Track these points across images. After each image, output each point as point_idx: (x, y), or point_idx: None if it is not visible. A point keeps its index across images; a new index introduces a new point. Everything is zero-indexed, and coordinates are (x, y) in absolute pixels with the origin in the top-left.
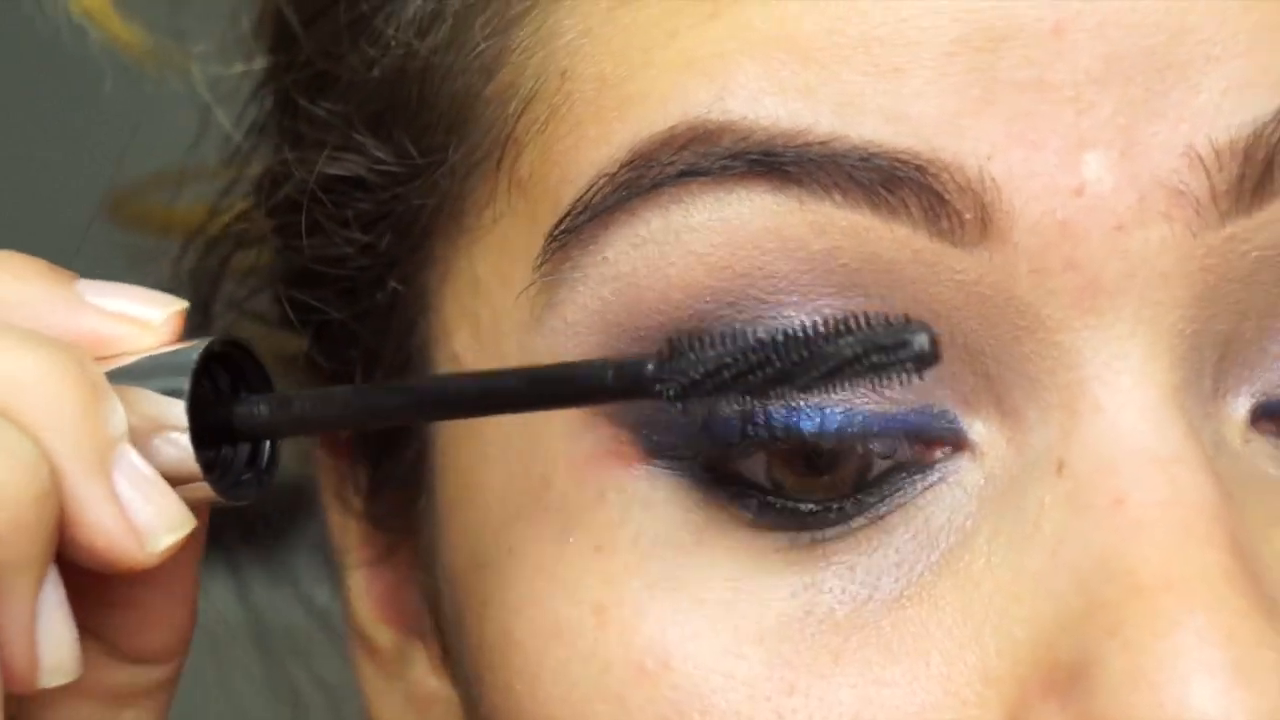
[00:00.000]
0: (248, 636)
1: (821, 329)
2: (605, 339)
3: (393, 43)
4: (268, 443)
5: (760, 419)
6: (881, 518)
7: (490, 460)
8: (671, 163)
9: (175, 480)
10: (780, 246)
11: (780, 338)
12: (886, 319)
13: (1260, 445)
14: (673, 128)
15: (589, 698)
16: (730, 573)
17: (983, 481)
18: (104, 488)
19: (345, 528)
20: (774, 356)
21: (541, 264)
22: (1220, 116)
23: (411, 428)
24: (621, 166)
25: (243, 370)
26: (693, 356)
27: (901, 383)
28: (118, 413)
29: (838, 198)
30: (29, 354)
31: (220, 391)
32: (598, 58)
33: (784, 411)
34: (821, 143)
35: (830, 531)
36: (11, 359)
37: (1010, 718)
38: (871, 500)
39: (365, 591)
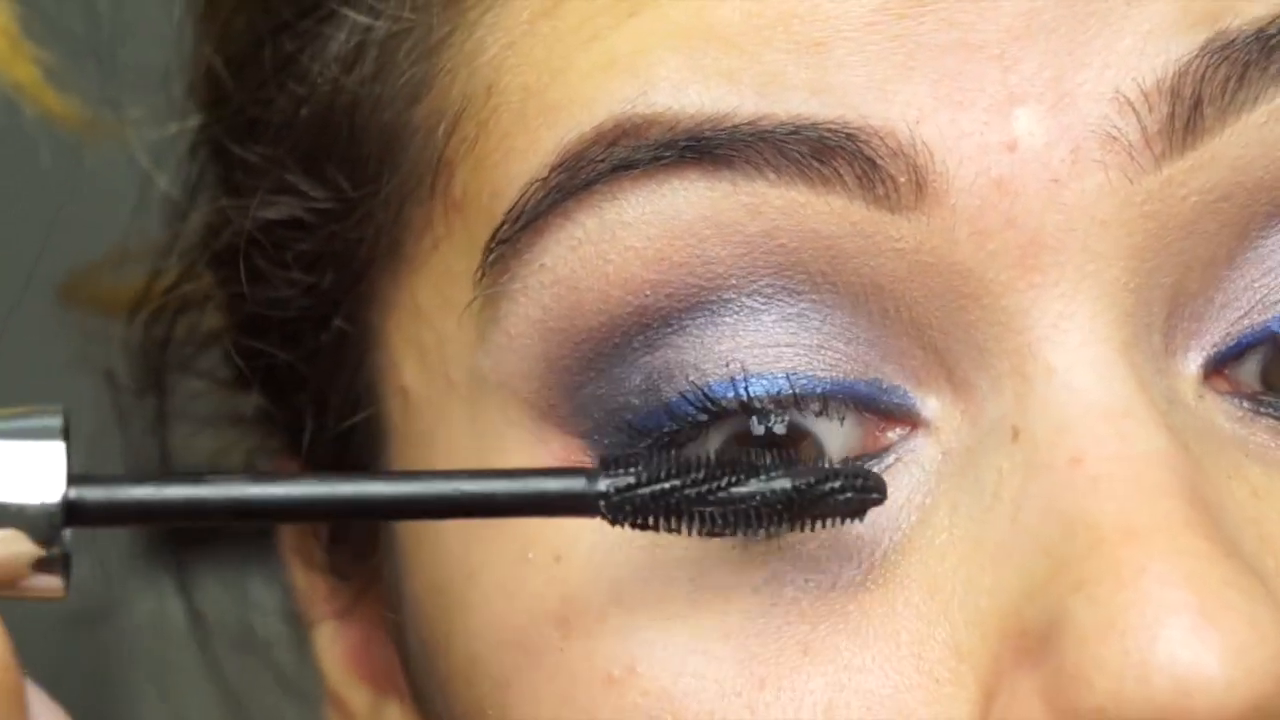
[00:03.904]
0: (197, 642)
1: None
2: (547, 347)
3: (319, 80)
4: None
5: (703, 391)
6: None
7: None
8: (602, 160)
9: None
10: (716, 232)
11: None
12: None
13: (1214, 400)
14: (599, 125)
15: (559, 713)
16: (690, 574)
17: (940, 457)
18: None
19: (310, 583)
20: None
21: (481, 278)
22: (1145, 59)
23: (367, 470)
24: (552, 170)
25: None
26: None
27: (839, 521)
28: None
29: (771, 176)
30: None
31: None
32: (521, 69)
33: (724, 382)
34: (749, 123)
35: (761, 533)
36: None
37: (985, 690)
38: None
39: (334, 646)
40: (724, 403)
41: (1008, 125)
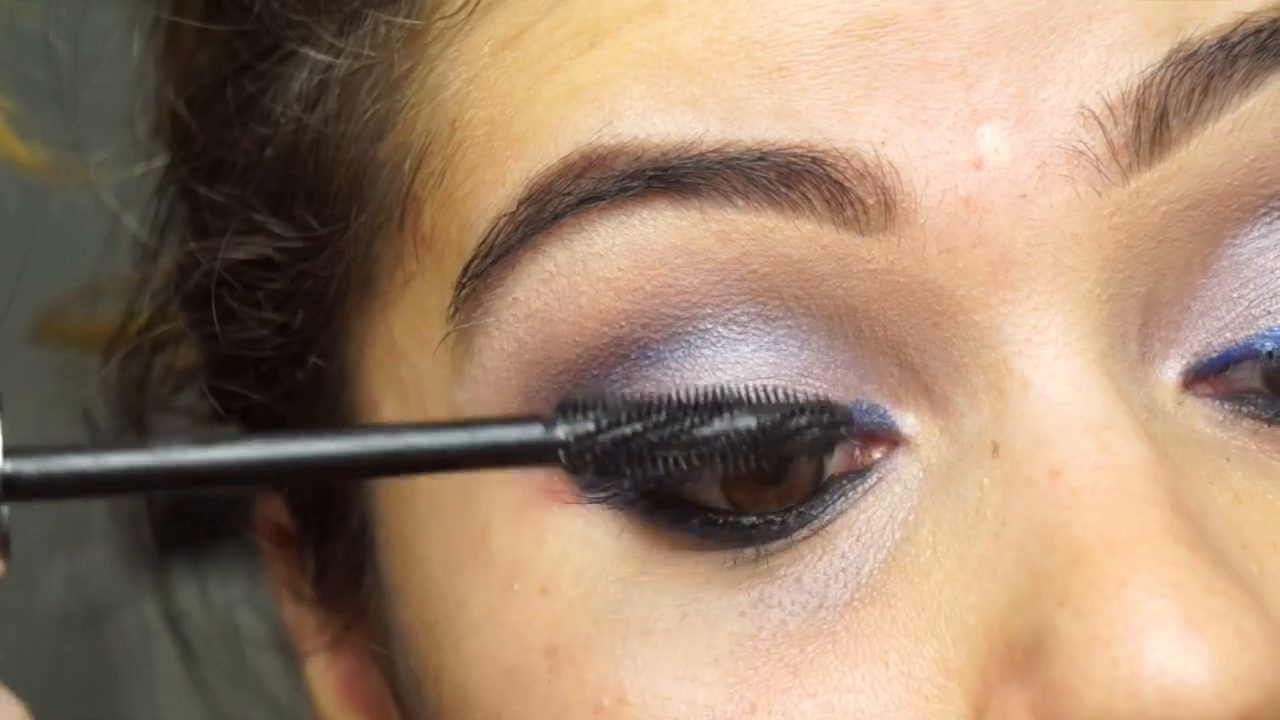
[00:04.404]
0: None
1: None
2: (524, 380)
3: (282, 119)
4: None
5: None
6: (824, 526)
7: (427, 521)
8: (569, 192)
9: None
10: (688, 261)
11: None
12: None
13: (1194, 406)
14: (566, 158)
15: None
16: (676, 600)
17: (921, 475)
18: None
19: (299, 616)
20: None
21: (454, 314)
22: (1109, 72)
23: (351, 503)
24: (520, 204)
25: None
26: (590, 418)
27: (807, 458)
28: None
29: (739, 203)
30: None
31: None
32: (485, 102)
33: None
34: (715, 150)
35: (774, 545)
36: None
37: (975, 707)
38: (814, 512)
39: (325, 678)
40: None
41: (973, 143)
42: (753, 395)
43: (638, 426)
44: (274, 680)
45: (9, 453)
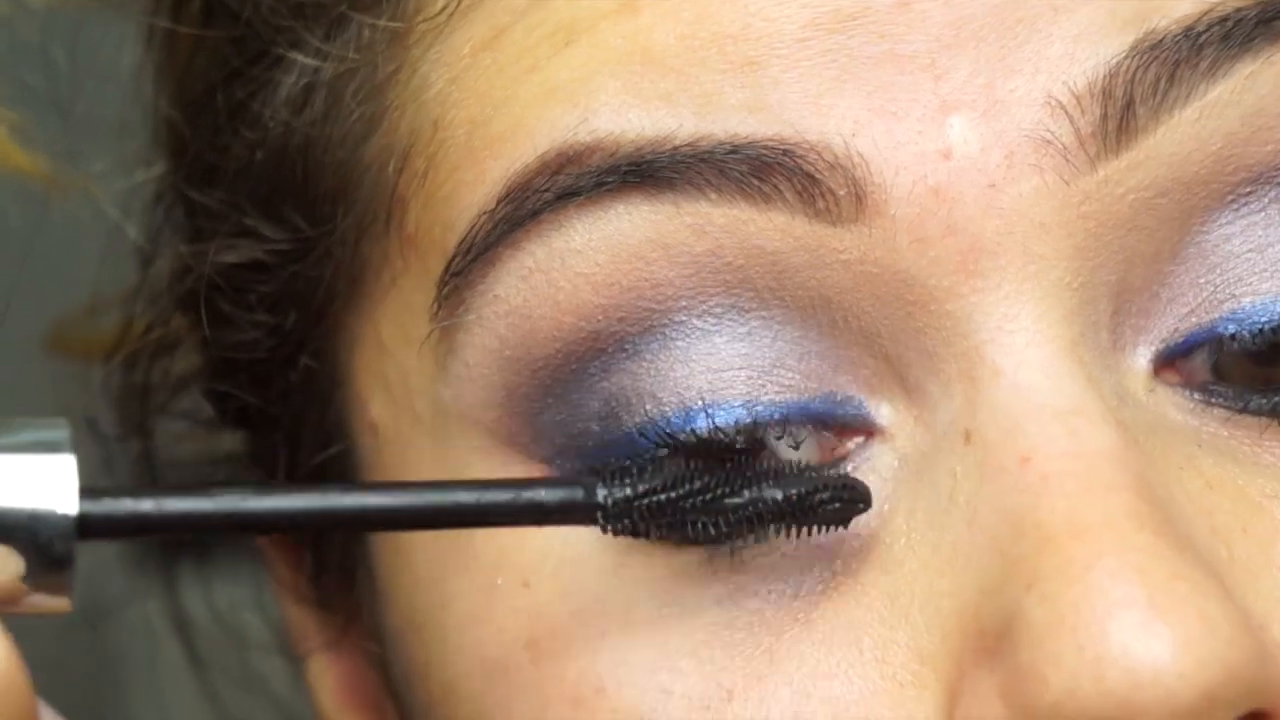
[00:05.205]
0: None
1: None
2: (506, 376)
3: (271, 123)
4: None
5: (661, 426)
6: None
7: None
8: (547, 189)
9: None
10: (663, 254)
11: (717, 472)
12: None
13: (1165, 393)
14: (543, 155)
15: None
16: (654, 590)
17: (896, 463)
18: None
19: (300, 617)
20: (711, 485)
21: (437, 311)
22: (1075, 63)
23: None
24: (499, 202)
25: None
26: (629, 482)
27: (830, 528)
28: None
29: (712, 195)
30: None
31: None
32: (466, 103)
33: (681, 413)
34: (688, 144)
35: (747, 540)
36: None
37: (949, 692)
38: None
39: (325, 677)
40: (683, 437)
41: (942, 133)
42: (782, 469)
43: (672, 494)
44: (278, 681)
45: (82, 494)
